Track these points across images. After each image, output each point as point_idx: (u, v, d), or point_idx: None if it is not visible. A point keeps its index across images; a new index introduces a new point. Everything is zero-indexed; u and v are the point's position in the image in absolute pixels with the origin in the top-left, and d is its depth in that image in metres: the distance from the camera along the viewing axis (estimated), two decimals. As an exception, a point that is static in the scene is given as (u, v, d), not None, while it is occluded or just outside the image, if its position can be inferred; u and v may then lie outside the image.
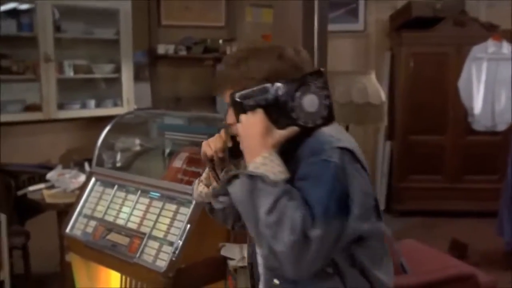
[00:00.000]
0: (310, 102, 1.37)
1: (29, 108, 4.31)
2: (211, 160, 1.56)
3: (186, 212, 2.33)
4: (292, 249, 1.24)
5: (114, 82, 4.72)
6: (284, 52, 1.43)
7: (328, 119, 1.40)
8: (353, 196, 1.33)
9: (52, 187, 3.67)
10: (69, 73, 4.46)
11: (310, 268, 1.29)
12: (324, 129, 1.40)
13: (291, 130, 1.37)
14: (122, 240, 2.42)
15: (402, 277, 2.76)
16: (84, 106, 4.56)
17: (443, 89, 5.58)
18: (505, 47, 5.27)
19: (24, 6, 4.24)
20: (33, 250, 3.77)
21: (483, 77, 5.33)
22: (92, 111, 4.57)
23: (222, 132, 1.56)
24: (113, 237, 2.47)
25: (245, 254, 2.00)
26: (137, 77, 5.01)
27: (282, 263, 1.28)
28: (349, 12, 6.10)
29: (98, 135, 3.01)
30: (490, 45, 5.27)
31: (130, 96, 4.73)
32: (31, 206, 3.62)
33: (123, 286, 2.44)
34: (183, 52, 5.30)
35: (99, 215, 2.63)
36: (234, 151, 1.50)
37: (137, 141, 3.33)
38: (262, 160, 1.33)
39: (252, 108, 1.38)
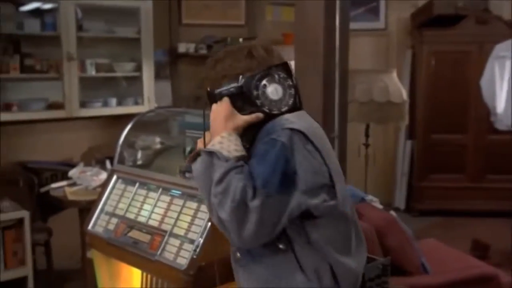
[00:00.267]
0: (274, 91, 1.52)
1: (52, 106, 4.36)
2: None
3: (207, 210, 2.33)
4: (233, 216, 1.39)
5: (135, 80, 4.75)
6: (254, 50, 1.58)
7: (294, 107, 1.54)
8: (300, 172, 1.44)
9: (74, 184, 3.71)
10: (91, 72, 4.51)
11: (253, 237, 1.41)
12: (286, 115, 1.52)
13: (254, 116, 1.52)
14: (144, 237, 2.43)
15: (423, 276, 2.74)
16: (105, 104, 4.60)
17: (465, 88, 5.53)
18: (529, 45, 5.20)
19: (48, 6, 4.29)
20: (55, 246, 3.82)
21: (506, 76, 5.23)
22: (113, 109, 4.60)
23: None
24: (135, 234, 2.48)
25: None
26: (158, 75, 5.04)
27: (228, 231, 1.43)
28: (370, 10, 6.07)
29: (119, 133, 3.02)
30: (514, 44, 5.20)
31: (151, 94, 4.76)
32: (54, 203, 3.67)
33: (144, 283, 2.45)
34: (204, 51, 5.33)
35: (121, 213, 2.64)
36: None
37: (158, 139, 3.34)
38: (220, 139, 1.48)
39: (220, 98, 1.54)
